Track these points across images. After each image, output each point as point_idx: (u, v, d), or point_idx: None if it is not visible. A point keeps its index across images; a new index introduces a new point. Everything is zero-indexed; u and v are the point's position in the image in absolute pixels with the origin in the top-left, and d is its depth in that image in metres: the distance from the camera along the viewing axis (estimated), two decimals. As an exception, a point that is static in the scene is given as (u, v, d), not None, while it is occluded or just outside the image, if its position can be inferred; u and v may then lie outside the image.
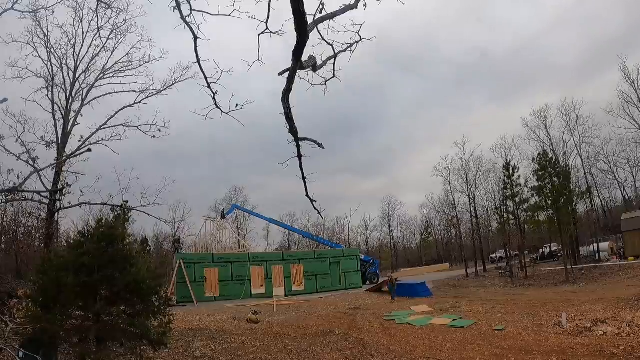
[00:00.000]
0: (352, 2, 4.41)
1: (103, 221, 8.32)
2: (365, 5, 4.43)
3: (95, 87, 19.49)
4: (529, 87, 77.24)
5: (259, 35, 4.23)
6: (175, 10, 4.04)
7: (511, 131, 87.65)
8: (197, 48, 4.37)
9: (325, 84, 5.12)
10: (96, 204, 16.17)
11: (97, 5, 17.20)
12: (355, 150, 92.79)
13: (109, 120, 18.68)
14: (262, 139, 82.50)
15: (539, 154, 30.90)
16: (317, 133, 4.86)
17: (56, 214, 18.81)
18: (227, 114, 4.73)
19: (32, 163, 12.95)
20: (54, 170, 16.14)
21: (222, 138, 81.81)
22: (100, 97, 19.56)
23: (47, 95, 18.32)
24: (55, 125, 18.12)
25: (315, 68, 4.76)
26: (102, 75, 19.49)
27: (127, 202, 17.02)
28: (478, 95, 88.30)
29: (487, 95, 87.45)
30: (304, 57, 4.27)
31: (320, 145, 4.87)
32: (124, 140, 18.61)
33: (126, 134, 18.58)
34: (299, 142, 4.74)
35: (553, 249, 39.48)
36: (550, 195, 28.56)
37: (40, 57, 18.37)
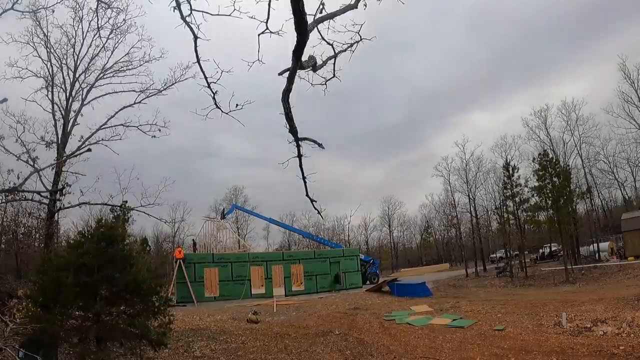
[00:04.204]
0: (352, 2, 4.40)
1: (103, 221, 8.32)
2: (365, 5, 4.43)
3: (95, 87, 19.48)
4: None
5: (259, 35, 4.23)
6: (175, 10, 4.04)
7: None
8: (197, 48, 4.37)
9: (325, 84, 5.12)
10: (96, 204, 16.17)
11: (97, 5, 17.19)
12: (381, 103, 73.45)
13: (109, 120, 18.70)
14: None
15: (539, 153, 30.92)
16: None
17: (56, 214, 18.80)
18: (227, 113, 4.73)
19: (32, 163, 12.94)
20: (54, 170, 16.12)
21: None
22: (100, 97, 19.56)
23: (47, 95, 18.32)
24: (55, 125, 18.11)
25: (315, 68, 4.75)
26: (102, 75, 19.49)
27: (126, 202, 17.10)
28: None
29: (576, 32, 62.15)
30: (304, 57, 4.26)
31: (320, 145, 4.88)
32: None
33: (126, 133, 18.64)
34: (299, 142, 4.74)
35: (553, 249, 39.49)
36: (550, 195, 28.56)
37: (40, 57, 18.38)
